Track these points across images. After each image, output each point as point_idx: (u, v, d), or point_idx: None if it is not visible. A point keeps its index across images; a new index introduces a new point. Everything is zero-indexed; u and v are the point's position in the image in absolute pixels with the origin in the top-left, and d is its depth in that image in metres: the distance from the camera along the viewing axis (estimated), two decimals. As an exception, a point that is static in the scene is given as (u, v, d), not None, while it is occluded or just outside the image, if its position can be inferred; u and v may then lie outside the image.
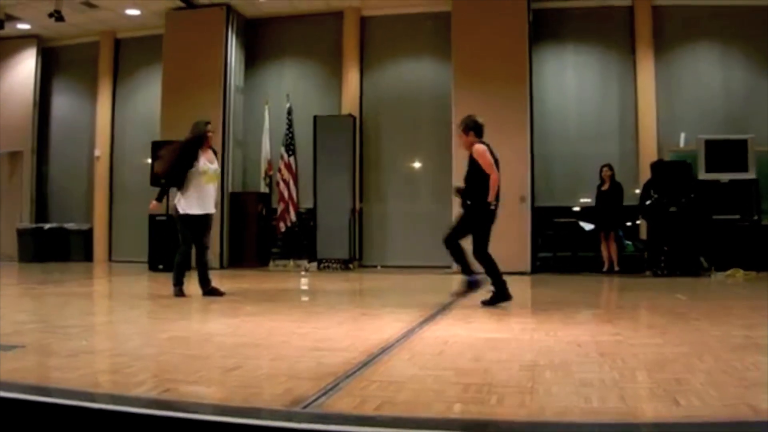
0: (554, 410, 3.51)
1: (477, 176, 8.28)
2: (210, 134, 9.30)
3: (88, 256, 18.16)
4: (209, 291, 9.15)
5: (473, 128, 8.58)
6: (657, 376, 4.14)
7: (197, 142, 9.17)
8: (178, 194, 9.11)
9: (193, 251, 9.32)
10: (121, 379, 4.17)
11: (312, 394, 3.65)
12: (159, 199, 9.54)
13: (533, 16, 15.06)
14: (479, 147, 8.35)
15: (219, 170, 9.55)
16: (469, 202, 8.41)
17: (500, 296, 8.21)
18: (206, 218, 9.18)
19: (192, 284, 9.39)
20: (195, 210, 9.02)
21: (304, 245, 16.10)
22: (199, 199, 9.05)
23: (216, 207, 9.56)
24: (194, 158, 9.05)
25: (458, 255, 8.46)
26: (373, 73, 16.94)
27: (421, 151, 16.59)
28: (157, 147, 15.03)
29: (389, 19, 16.90)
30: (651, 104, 15.01)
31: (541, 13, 15.51)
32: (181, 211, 9.03)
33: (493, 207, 8.26)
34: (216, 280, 9.47)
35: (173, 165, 9.15)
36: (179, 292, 9.03)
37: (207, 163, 9.15)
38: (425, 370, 4.39)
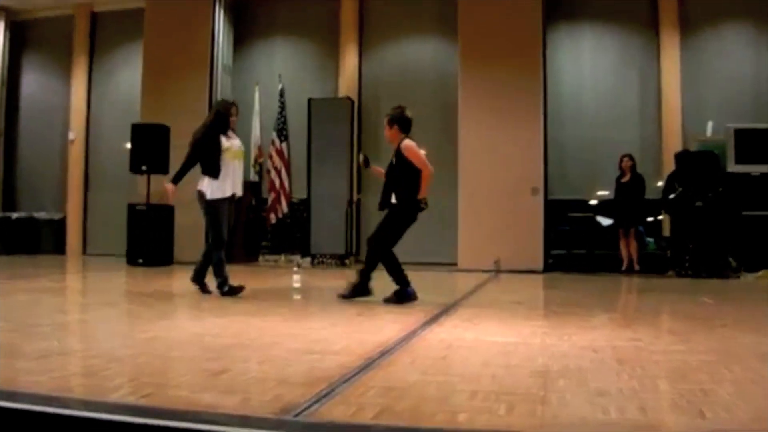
0: (568, 421, 3.51)
1: (404, 173, 8.33)
2: (233, 118, 9.15)
3: (60, 248, 18.19)
4: (201, 285, 9.12)
5: (398, 122, 8.65)
6: (680, 386, 4.13)
7: (221, 125, 9.04)
8: (204, 178, 8.95)
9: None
10: (96, 383, 4.15)
11: (304, 401, 3.64)
12: (176, 180, 9.04)
13: (548, -8, 15.09)
14: (409, 142, 8.42)
15: (242, 147, 9.36)
16: (394, 201, 8.46)
17: (404, 295, 8.49)
18: (232, 202, 9.10)
19: (184, 280, 9.38)
20: (225, 192, 8.91)
21: (297, 239, 16.14)
22: (225, 178, 8.91)
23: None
24: (218, 142, 8.93)
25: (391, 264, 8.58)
26: (373, 53, 16.95)
27: (425, 139, 16.38)
28: (137, 130, 15.07)
29: (391, -6, 16.91)
30: (676, 89, 15.01)
31: (556, -11, 15.55)
32: (209, 197, 8.87)
33: (423, 206, 8.34)
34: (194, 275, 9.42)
35: (195, 150, 8.98)
36: (231, 290, 8.92)
37: (229, 140, 9.06)
38: (428, 376, 4.38)
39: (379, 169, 9.01)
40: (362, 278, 8.50)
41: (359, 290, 8.48)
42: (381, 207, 8.63)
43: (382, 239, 8.45)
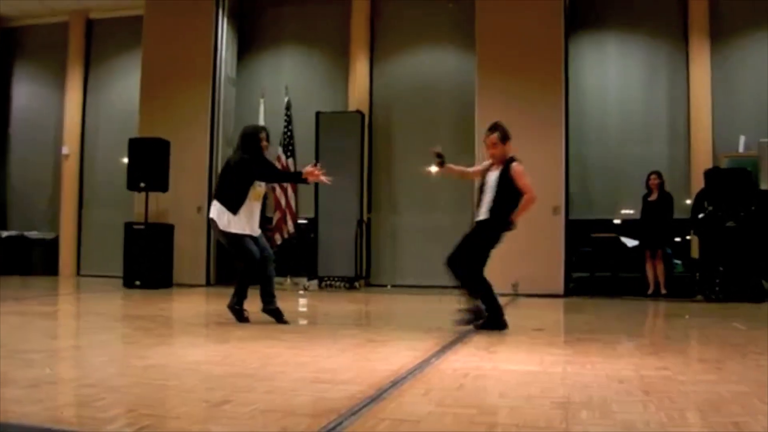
0: (592, 456, 3.50)
1: (507, 191, 8.35)
2: (264, 144, 9.12)
3: (52, 269, 18.22)
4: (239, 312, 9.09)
5: (509, 139, 8.68)
6: (711, 419, 4.11)
7: (257, 155, 9.03)
8: (217, 204, 8.95)
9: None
10: (90, 414, 4.15)
11: (311, 434, 3.65)
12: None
13: (570, 0, 15.09)
14: (521, 167, 8.40)
15: (264, 188, 9.30)
16: (483, 218, 8.49)
17: (495, 322, 8.37)
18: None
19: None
20: (244, 228, 8.85)
21: (304, 260, 16.12)
22: (242, 216, 8.90)
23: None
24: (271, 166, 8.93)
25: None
26: (385, 64, 16.98)
27: (440, 154, 16.56)
28: (135, 144, 15.11)
29: (404, 1, 16.94)
30: (706, 102, 14.98)
31: (579, -4, 15.58)
32: (225, 228, 8.75)
33: (512, 227, 8.40)
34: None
35: (232, 186, 8.95)
36: (238, 313, 8.93)
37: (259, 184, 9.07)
38: (443, 408, 4.37)
39: (452, 168, 9.02)
40: (494, 310, 8.45)
41: (495, 322, 8.41)
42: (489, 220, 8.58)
43: (474, 259, 8.47)
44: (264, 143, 9.03)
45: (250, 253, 8.82)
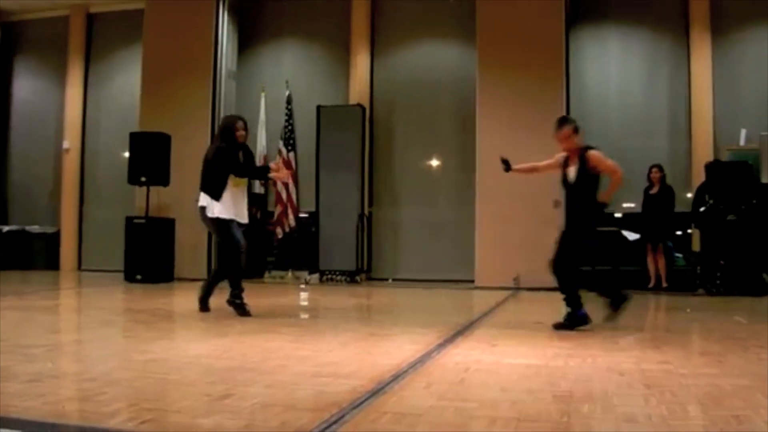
0: (593, 450, 3.50)
1: (590, 182, 8.31)
2: (241, 133, 9.21)
3: (53, 263, 18.21)
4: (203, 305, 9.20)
5: (579, 129, 8.64)
6: (712, 413, 4.11)
7: (231, 143, 9.14)
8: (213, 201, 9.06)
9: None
10: (92, 408, 4.16)
11: (312, 428, 3.64)
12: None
13: (571, -6, 15.09)
14: (596, 152, 8.35)
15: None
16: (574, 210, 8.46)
17: (576, 319, 8.28)
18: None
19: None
20: (230, 214, 9.04)
21: (305, 254, 16.11)
22: (226, 202, 9.02)
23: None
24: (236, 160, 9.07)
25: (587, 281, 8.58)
26: (386, 58, 16.96)
27: (441, 148, 16.58)
28: (135, 139, 15.10)
29: (405, -5, 16.93)
30: (707, 95, 14.96)
31: (579, -10, 15.55)
32: (213, 214, 8.97)
33: (606, 208, 8.56)
34: (198, 293, 9.43)
35: (211, 175, 9.08)
36: (239, 306, 9.01)
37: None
38: (444, 401, 4.37)
39: (520, 169, 9.14)
40: (573, 306, 8.41)
41: (576, 319, 8.37)
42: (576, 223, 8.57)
43: (574, 258, 8.45)
44: (240, 132, 9.19)
45: (236, 240, 9.05)
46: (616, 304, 8.38)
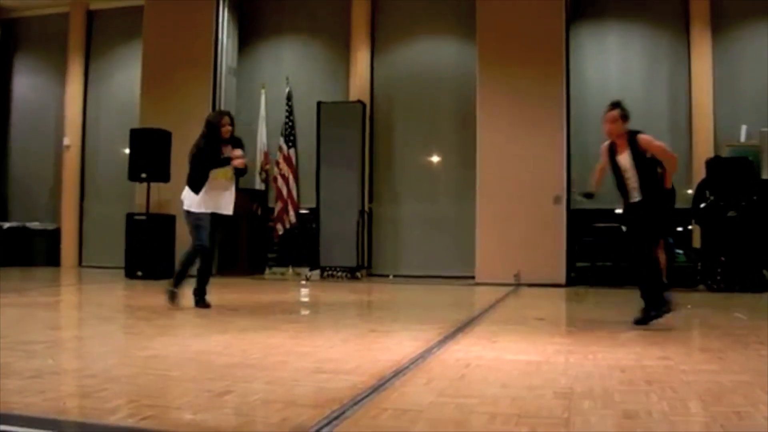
0: (594, 446, 3.50)
1: (648, 166, 8.23)
2: (224, 128, 9.31)
3: (54, 260, 18.21)
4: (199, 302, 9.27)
5: (630, 119, 8.55)
6: (713, 409, 4.11)
7: (214, 138, 9.25)
8: (186, 188, 9.31)
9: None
10: (92, 405, 4.15)
11: (313, 424, 3.64)
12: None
13: (571, -10, 15.08)
14: (646, 135, 8.31)
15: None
16: (636, 199, 8.30)
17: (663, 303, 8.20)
18: (220, 222, 9.33)
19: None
20: (201, 208, 9.16)
21: (305, 250, 16.12)
22: (205, 194, 9.16)
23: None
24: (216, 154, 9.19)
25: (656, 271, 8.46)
26: (386, 54, 16.96)
27: (441, 144, 16.59)
28: (136, 135, 15.10)
29: (405, -9, 16.92)
30: (707, 92, 14.96)
31: (580, -13, 15.53)
32: (186, 207, 9.25)
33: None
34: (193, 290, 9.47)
35: (193, 170, 9.25)
36: (173, 295, 9.29)
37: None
38: (445, 397, 4.37)
39: (599, 181, 8.97)
40: (653, 296, 8.32)
41: (660, 309, 8.27)
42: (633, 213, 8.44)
43: (650, 246, 8.37)
44: (225, 128, 9.34)
45: (201, 238, 9.20)
46: (656, 310, 8.18)
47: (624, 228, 8.54)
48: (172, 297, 9.23)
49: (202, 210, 9.13)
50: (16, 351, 5.73)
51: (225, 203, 9.34)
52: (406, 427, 3.65)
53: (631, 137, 8.30)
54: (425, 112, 16.54)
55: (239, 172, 9.49)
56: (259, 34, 17.78)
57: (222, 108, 16.15)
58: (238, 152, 9.32)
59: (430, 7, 16.72)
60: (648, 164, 8.24)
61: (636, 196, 8.24)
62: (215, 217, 9.25)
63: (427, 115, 16.52)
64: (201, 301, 9.26)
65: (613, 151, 8.44)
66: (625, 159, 8.31)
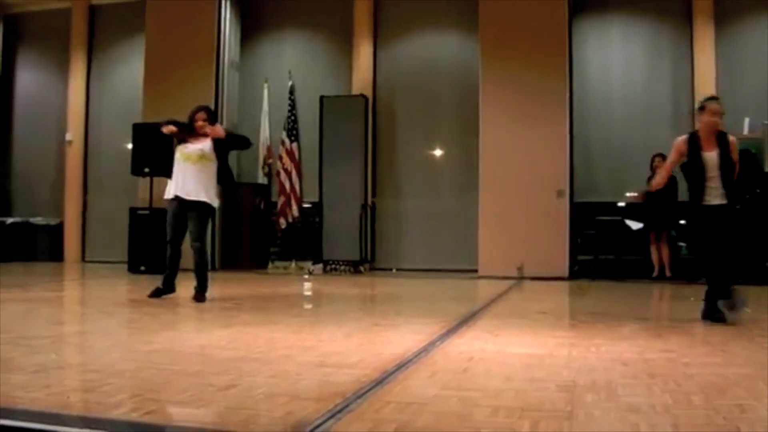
0: (597, 439, 3.50)
1: (731, 170, 8.10)
2: (200, 124, 9.34)
3: (57, 255, 18.21)
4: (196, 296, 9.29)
5: None
6: (716, 402, 4.11)
7: (184, 126, 9.38)
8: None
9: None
10: (95, 399, 4.16)
11: (317, 417, 3.64)
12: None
13: (574, -17, 15.05)
14: (734, 138, 8.20)
15: (204, 151, 9.45)
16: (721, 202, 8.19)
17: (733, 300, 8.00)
18: (185, 207, 9.28)
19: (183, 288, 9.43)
20: (168, 193, 9.39)
21: (308, 244, 16.12)
22: (172, 178, 9.38)
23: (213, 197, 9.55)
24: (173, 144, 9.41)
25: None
26: (389, 48, 16.94)
27: (444, 138, 16.57)
28: (138, 130, 15.09)
29: (407, -16, 16.89)
30: (710, 84, 14.89)
31: (582, -21, 15.50)
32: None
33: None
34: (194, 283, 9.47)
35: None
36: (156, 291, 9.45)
37: (189, 146, 9.35)
38: (448, 391, 4.38)
39: (665, 178, 8.83)
40: (716, 294, 8.18)
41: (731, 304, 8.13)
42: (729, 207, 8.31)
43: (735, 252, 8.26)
44: (200, 123, 9.48)
45: (166, 228, 9.37)
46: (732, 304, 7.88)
47: (697, 227, 8.26)
48: (156, 292, 9.38)
49: (169, 196, 9.28)
50: (20, 346, 5.74)
51: (193, 188, 9.26)
52: (409, 420, 3.66)
53: (723, 136, 8.01)
54: (428, 105, 16.52)
55: (222, 145, 9.47)
56: (262, 28, 17.75)
57: (224, 102, 16.17)
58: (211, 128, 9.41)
59: (432, 0, 16.69)
60: (732, 167, 8.01)
61: (718, 198, 7.98)
62: (182, 204, 9.23)
63: (429, 109, 16.50)
64: (155, 292, 9.43)
65: (697, 147, 8.07)
66: (712, 157, 8.00)
